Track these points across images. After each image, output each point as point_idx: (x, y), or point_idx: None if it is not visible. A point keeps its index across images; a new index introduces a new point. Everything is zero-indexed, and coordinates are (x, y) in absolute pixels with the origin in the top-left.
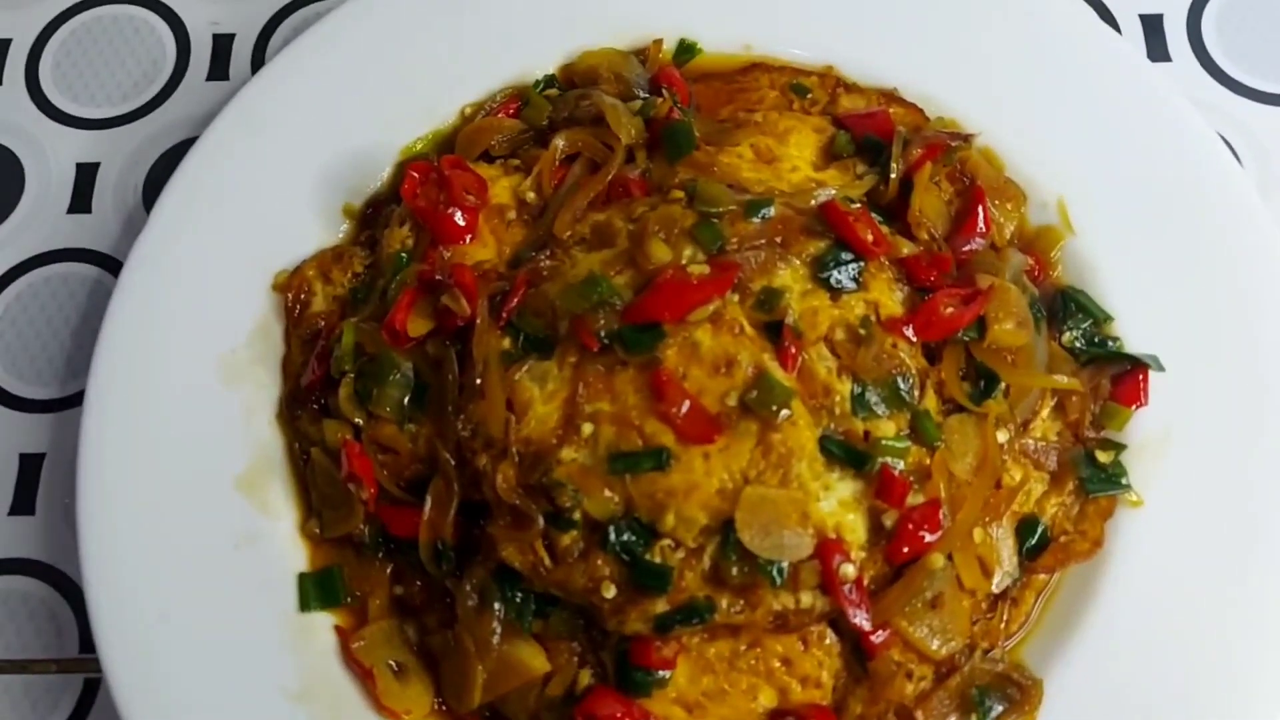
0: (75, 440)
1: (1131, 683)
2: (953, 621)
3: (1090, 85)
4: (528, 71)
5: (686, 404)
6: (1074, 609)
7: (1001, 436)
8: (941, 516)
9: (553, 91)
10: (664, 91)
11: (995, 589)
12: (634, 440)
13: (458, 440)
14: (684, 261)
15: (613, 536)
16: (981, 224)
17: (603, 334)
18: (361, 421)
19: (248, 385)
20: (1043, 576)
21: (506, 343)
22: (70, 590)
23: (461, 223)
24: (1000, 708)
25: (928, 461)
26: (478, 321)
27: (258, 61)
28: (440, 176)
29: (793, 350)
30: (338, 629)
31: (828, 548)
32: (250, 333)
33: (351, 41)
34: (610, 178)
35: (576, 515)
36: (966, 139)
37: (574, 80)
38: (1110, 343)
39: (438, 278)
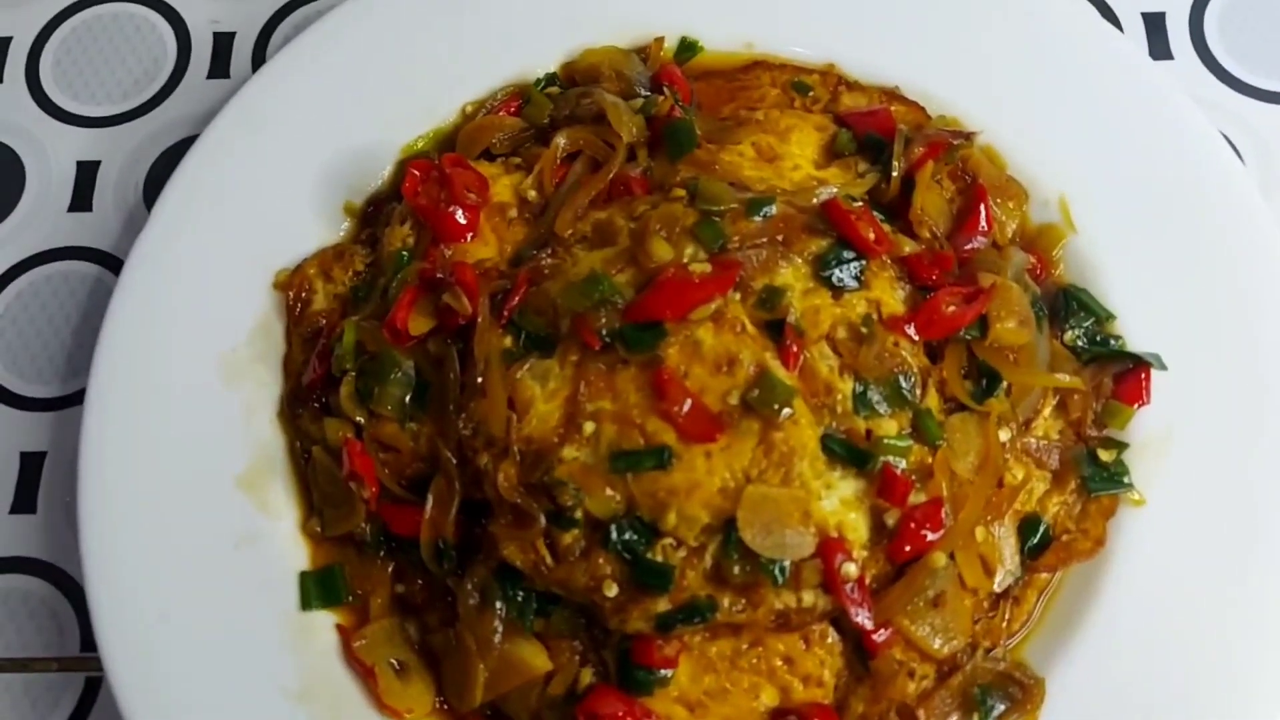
0: (76, 439)
1: (1133, 682)
2: (955, 620)
3: (1092, 83)
4: (529, 69)
5: (688, 403)
6: (1076, 608)
7: (1003, 435)
8: (943, 515)
9: (554, 90)
10: (665, 90)
11: (997, 588)
12: (636, 439)
13: (459, 439)
14: (685, 260)
15: (614, 535)
16: (983, 222)
17: (604, 332)
18: (363, 420)
19: (249, 384)
20: (1045, 575)
21: (508, 341)
22: (71, 589)
23: (463, 221)
24: (1002, 706)
25: (930, 460)
26: (479, 320)
27: (258, 60)
28: (441, 175)
29: (794, 349)
30: (339, 628)
31: (830, 546)
32: (251, 331)
33: (352, 40)
34: (611, 176)
35: (578, 514)
36: (968, 137)
37: (575, 78)
38: (1112, 341)
39: (439, 276)
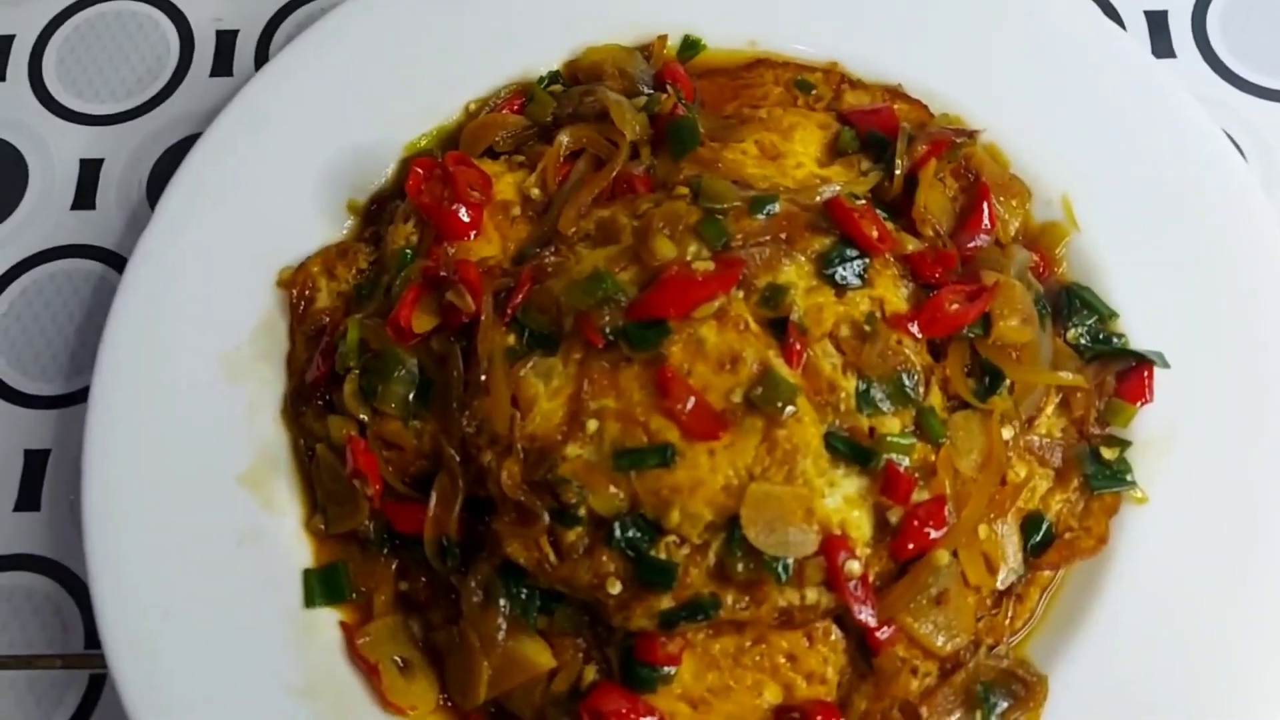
0: (80, 436)
1: (1135, 679)
2: (958, 618)
3: (1094, 82)
4: (532, 68)
5: (691, 400)
6: (1079, 605)
7: (1006, 433)
8: (947, 513)
9: (557, 88)
10: (668, 88)
11: (1000, 585)
12: (639, 437)
13: (463, 436)
14: (689, 258)
15: (618, 533)
16: (986, 220)
17: (608, 330)
18: (366, 418)
19: (252, 382)
20: (1047, 573)
21: (511, 339)
22: (75, 586)
23: (466, 219)
24: (1005, 704)
25: (933, 458)
26: (482, 318)
27: (261, 58)
28: (445, 173)
29: (798, 347)
30: (343, 625)
31: (833, 544)
32: (254, 329)
33: (355, 38)
34: (615, 174)
35: (581, 511)
36: (971, 135)
37: (578, 76)
38: (1115, 339)
39: (442, 274)
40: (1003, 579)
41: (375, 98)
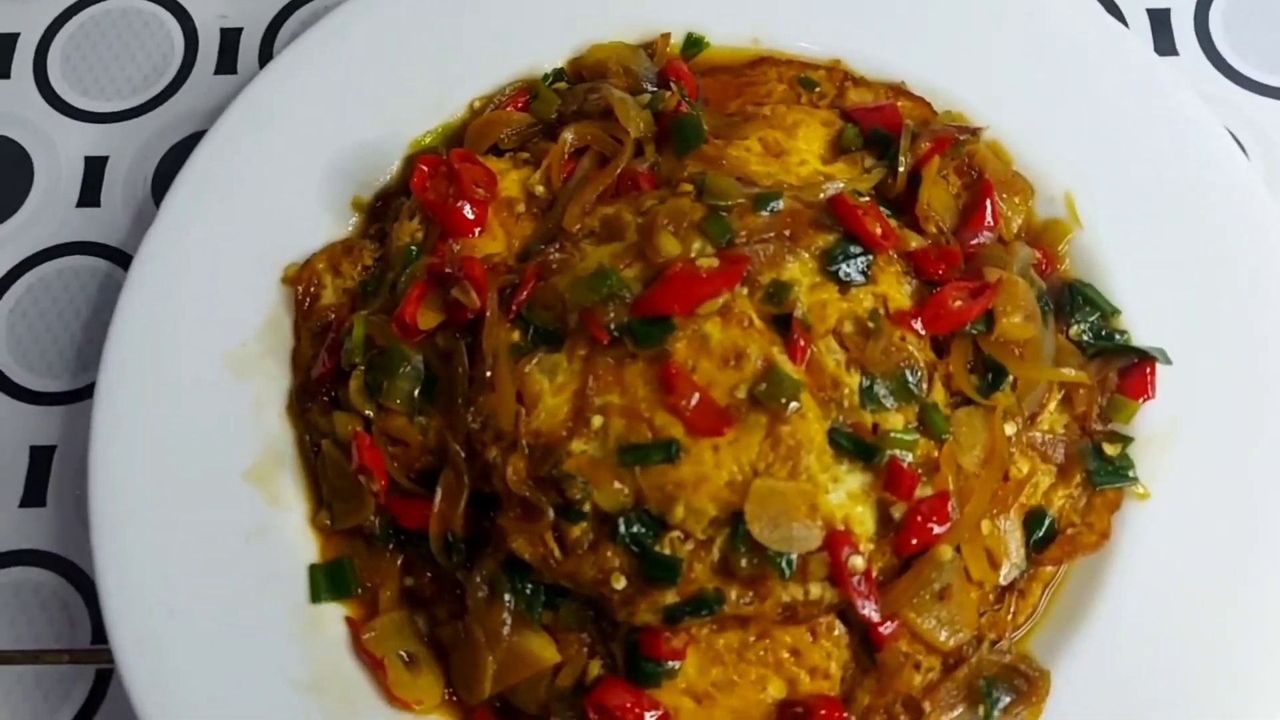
0: (86, 432)
1: (1137, 674)
2: (960, 613)
3: (1097, 79)
4: (536, 65)
5: (696, 396)
6: (1081, 601)
7: (1009, 429)
8: (950, 509)
9: (561, 85)
10: (672, 85)
11: (1003, 581)
12: (643, 432)
13: (468, 433)
14: (693, 255)
15: (622, 528)
16: (989, 217)
17: (612, 327)
18: (372, 414)
19: (258, 378)
20: (1050, 568)
21: (516, 335)
22: (82, 581)
23: (471, 216)
24: (1007, 699)
25: (936, 454)
26: (487, 314)
27: (265, 55)
28: (449, 170)
29: (801, 343)
30: (348, 620)
31: (836, 540)
32: (260, 326)
33: (359, 35)
34: (619, 171)
35: (586, 507)
36: (974, 132)
37: (582, 74)
38: (1117, 336)
39: (447, 271)
40: (1005, 574)
41: (380, 95)
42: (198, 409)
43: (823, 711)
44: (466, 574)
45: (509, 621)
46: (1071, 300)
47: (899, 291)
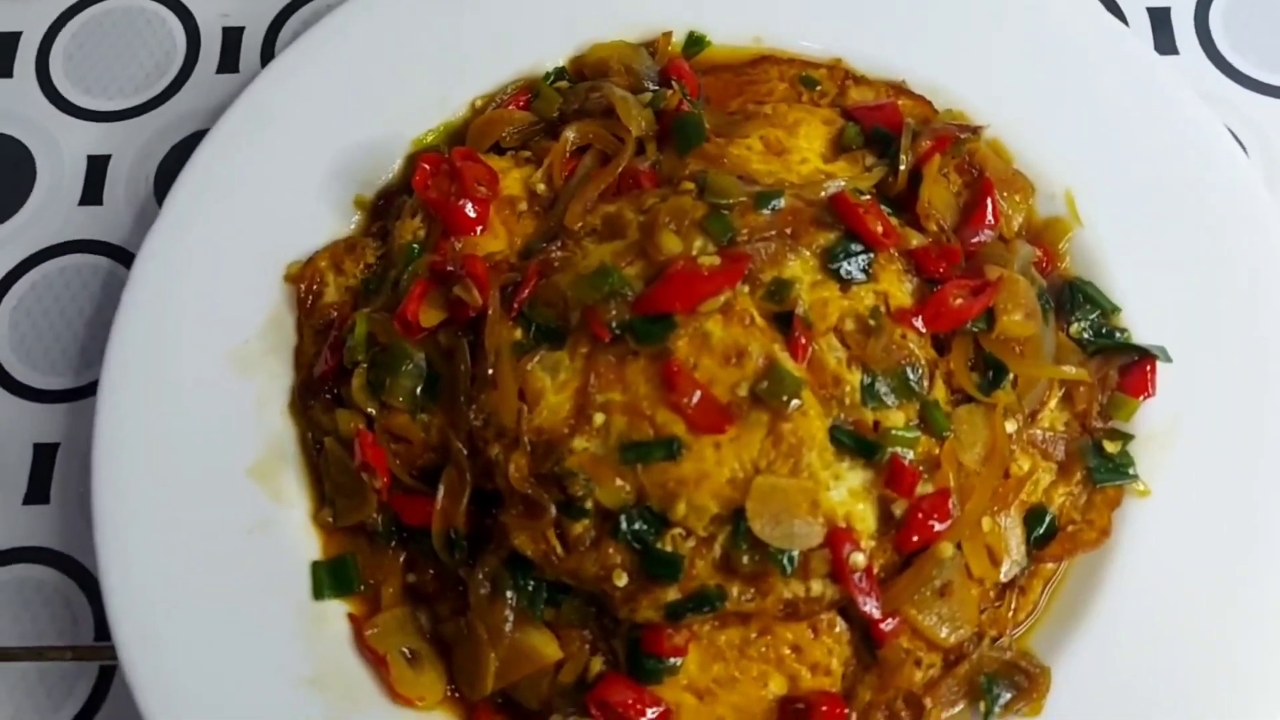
0: (89, 430)
1: (1137, 671)
2: (961, 610)
3: (1098, 78)
4: (538, 64)
5: (697, 394)
6: (1081, 598)
7: (1010, 426)
8: (951, 506)
9: (563, 84)
10: (673, 84)
11: (1003, 578)
12: (645, 430)
13: (470, 430)
14: (694, 253)
15: (624, 525)
16: (990, 215)
17: (614, 324)
18: (374, 411)
19: (260, 376)
20: (1050, 565)
21: (518, 333)
22: (85, 578)
23: (473, 214)
24: (1008, 695)
25: (937, 451)
26: (489, 312)
27: (268, 54)
28: (451, 168)
29: (803, 341)
30: (351, 617)
31: (838, 536)
32: (262, 323)
33: (361, 34)
34: (620, 169)
35: (588, 504)
36: (975, 131)
37: (584, 72)
38: (1118, 334)
39: (449, 269)
40: (1006, 571)
41: (382, 93)
42: (200, 407)
43: (824, 708)
44: (469, 571)
45: (511, 618)
46: (1072, 298)
47: (900, 289)
